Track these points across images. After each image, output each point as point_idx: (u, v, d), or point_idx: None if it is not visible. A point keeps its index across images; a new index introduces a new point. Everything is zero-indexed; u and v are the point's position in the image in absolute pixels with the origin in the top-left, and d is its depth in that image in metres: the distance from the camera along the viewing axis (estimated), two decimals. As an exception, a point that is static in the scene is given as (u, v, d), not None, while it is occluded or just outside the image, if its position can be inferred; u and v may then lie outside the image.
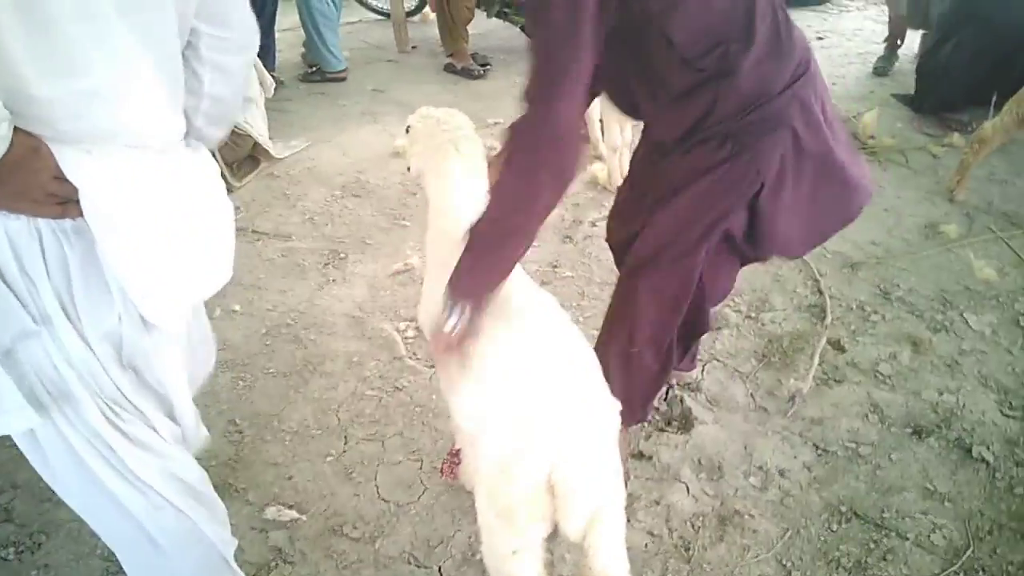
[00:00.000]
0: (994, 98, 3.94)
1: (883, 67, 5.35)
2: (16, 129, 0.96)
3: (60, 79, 0.98)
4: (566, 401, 1.30)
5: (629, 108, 1.79)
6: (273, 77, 4.45)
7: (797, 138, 1.60)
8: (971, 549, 1.96)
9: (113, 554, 1.87)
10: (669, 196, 1.71)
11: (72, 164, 1.01)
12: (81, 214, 1.04)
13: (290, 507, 2.05)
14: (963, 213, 3.55)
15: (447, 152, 1.67)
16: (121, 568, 1.85)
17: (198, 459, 2.17)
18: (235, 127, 3.64)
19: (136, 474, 1.25)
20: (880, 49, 5.47)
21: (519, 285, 1.59)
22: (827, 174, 1.70)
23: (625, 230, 1.91)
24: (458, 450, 2.05)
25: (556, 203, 1.43)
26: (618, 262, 2.03)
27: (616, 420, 1.37)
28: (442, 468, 2.13)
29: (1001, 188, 3.77)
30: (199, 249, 1.24)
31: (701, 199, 1.67)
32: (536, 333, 1.38)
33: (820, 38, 6.17)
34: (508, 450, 1.28)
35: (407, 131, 1.80)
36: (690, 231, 1.71)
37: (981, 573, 1.91)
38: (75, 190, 1.02)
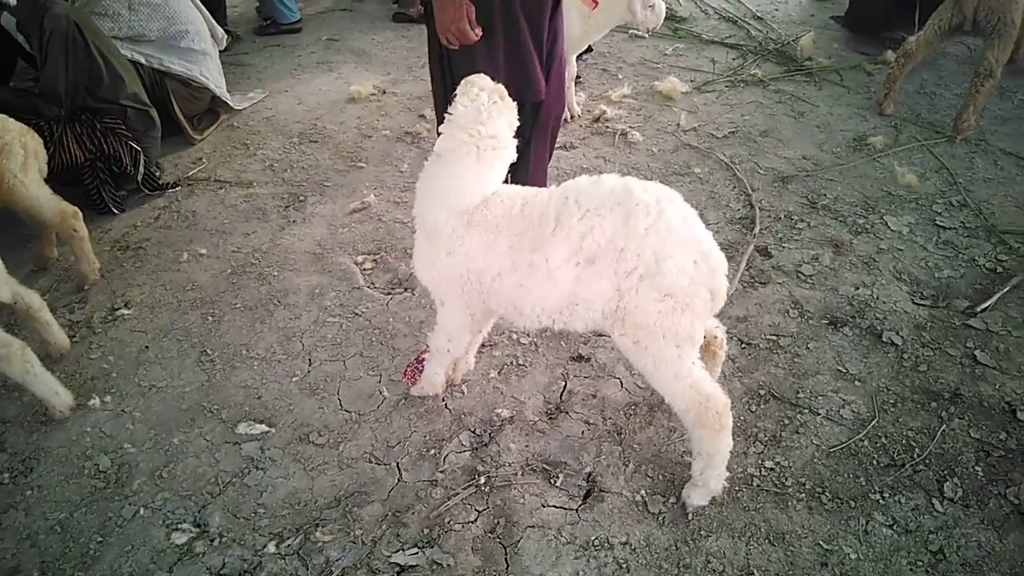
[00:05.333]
0: (917, 13, 4.09)
1: (823, -10, 5.44)
2: None
3: None
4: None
5: None
6: (229, 32, 4.52)
7: None
8: (876, 419, 2.19)
9: (103, 472, 2.08)
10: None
11: None
12: None
13: (260, 422, 2.24)
14: (891, 125, 3.73)
15: (468, 152, 1.81)
16: (109, 484, 2.05)
17: (173, 388, 2.36)
18: (192, 80, 3.75)
19: None
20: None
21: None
22: None
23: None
24: (423, 357, 2.24)
25: None
26: None
27: None
28: (405, 371, 2.32)
29: (929, 100, 3.95)
30: None
31: None
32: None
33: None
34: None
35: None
36: None
37: (884, 439, 2.14)
38: None
